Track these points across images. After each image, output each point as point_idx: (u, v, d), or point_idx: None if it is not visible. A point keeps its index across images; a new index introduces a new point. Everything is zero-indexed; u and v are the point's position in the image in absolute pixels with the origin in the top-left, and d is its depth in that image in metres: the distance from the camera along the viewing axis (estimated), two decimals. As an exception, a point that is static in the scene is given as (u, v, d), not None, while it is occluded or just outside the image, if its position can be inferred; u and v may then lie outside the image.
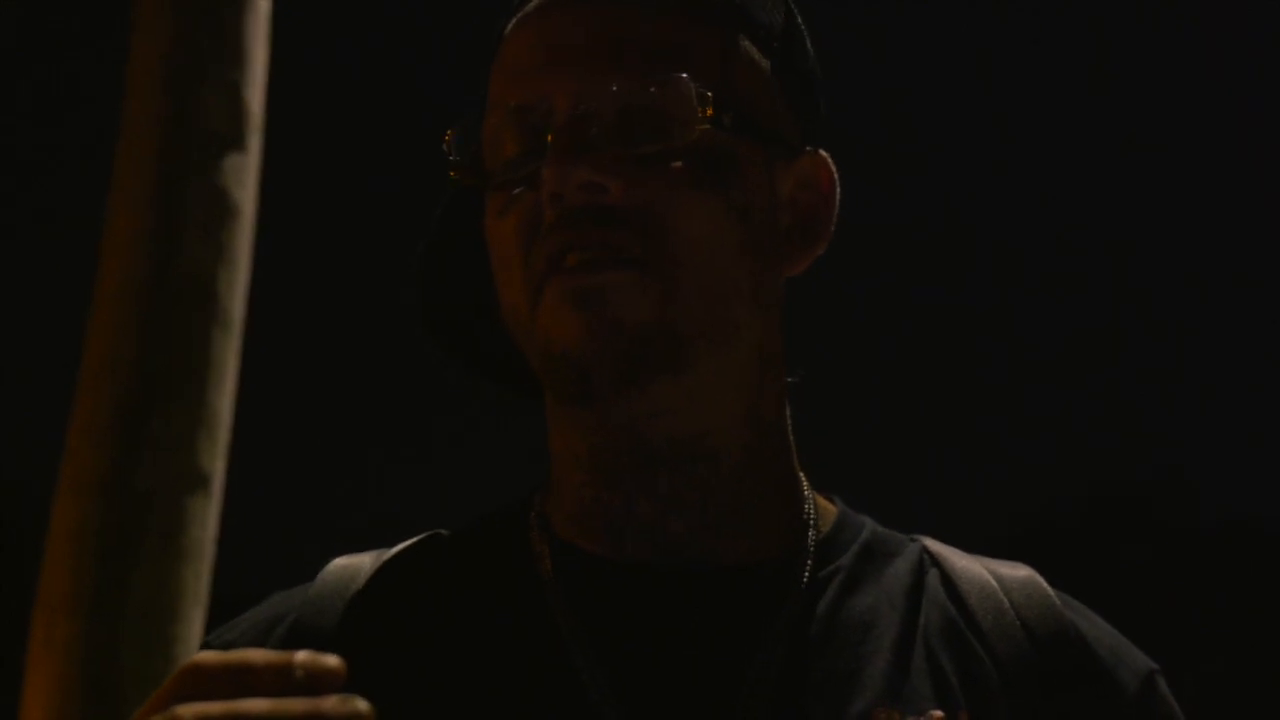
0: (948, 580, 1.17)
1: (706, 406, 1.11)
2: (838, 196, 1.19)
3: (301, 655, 0.81)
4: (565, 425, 1.14)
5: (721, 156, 1.10)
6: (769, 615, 1.11)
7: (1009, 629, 1.14)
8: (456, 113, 1.15)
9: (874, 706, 1.08)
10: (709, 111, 1.09)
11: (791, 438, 1.18)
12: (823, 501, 1.20)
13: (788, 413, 1.18)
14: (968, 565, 1.19)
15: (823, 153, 1.19)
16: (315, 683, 0.81)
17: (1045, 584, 1.19)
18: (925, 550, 1.20)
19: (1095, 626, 1.18)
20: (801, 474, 1.19)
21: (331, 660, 0.81)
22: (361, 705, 0.80)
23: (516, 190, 1.10)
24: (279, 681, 0.81)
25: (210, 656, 0.84)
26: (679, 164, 1.09)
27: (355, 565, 1.18)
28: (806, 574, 1.14)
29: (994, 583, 1.17)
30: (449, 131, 1.14)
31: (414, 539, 1.20)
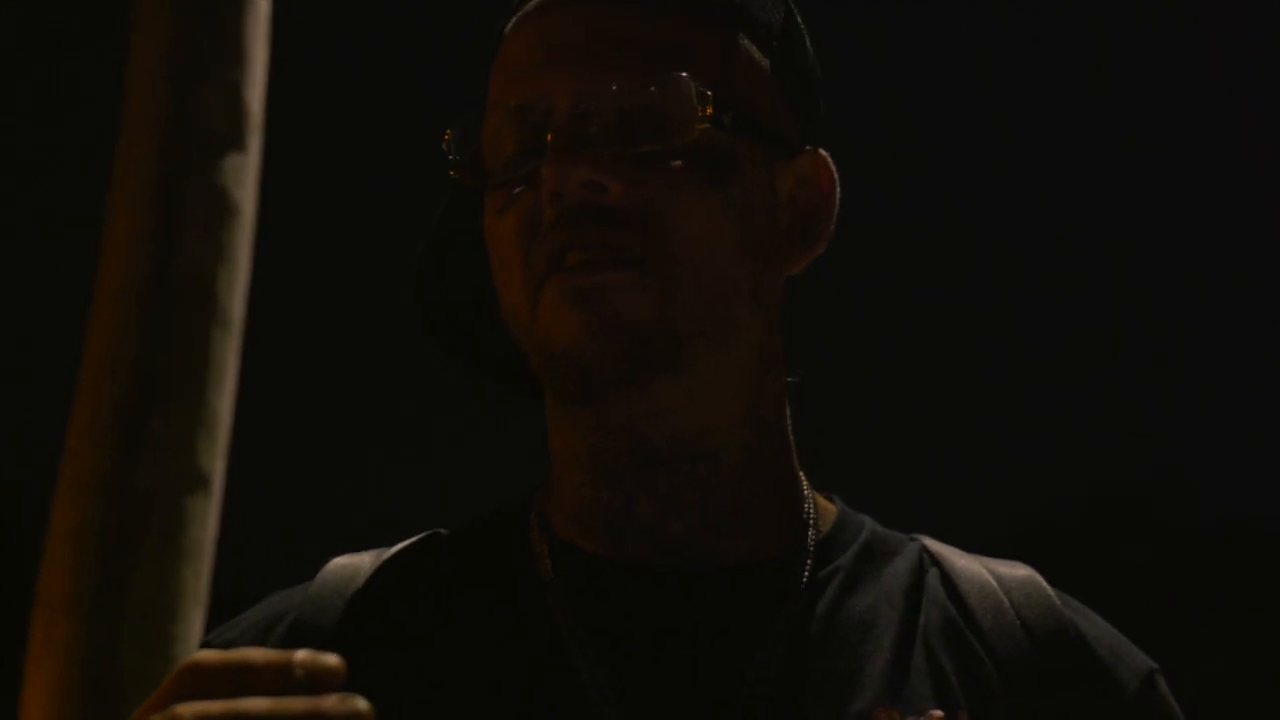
0: (947, 580, 1.17)
1: (706, 406, 1.11)
2: (838, 196, 1.19)
3: (301, 654, 0.81)
4: (565, 425, 1.14)
5: (721, 156, 1.10)
6: (769, 615, 1.11)
7: (1009, 628, 1.14)
8: (456, 113, 1.15)
9: (874, 706, 1.08)
10: (709, 111, 1.09)
11: (791, 437, 1.18)
12: (822, 501, 1.20)
13: (787, 412, 1.18)
14: (967, 565, 1.19)
15: (822, 152, 1.19)
16: (315, 682, 0.81)
17: (1045, 583, 1.19)
18: (925, 550, 1.20)
19: (1095, 626, 1.18)
20: (801, 474, 1.19)
21: (331, 659, 0.81)
22: (361, 704, 0.80)
23: (516, 189, 1.10)
24: (279, 680, 0.81)
25: (210, 655, 0.84)
26: (679, 163, 1.09)
27: (355, 565, 1.18)
28: (806, 574, 1.14)
29: (994, 582, 1.17)
30: (449, 131, 1.14)
31: (413, 538, 1.20)
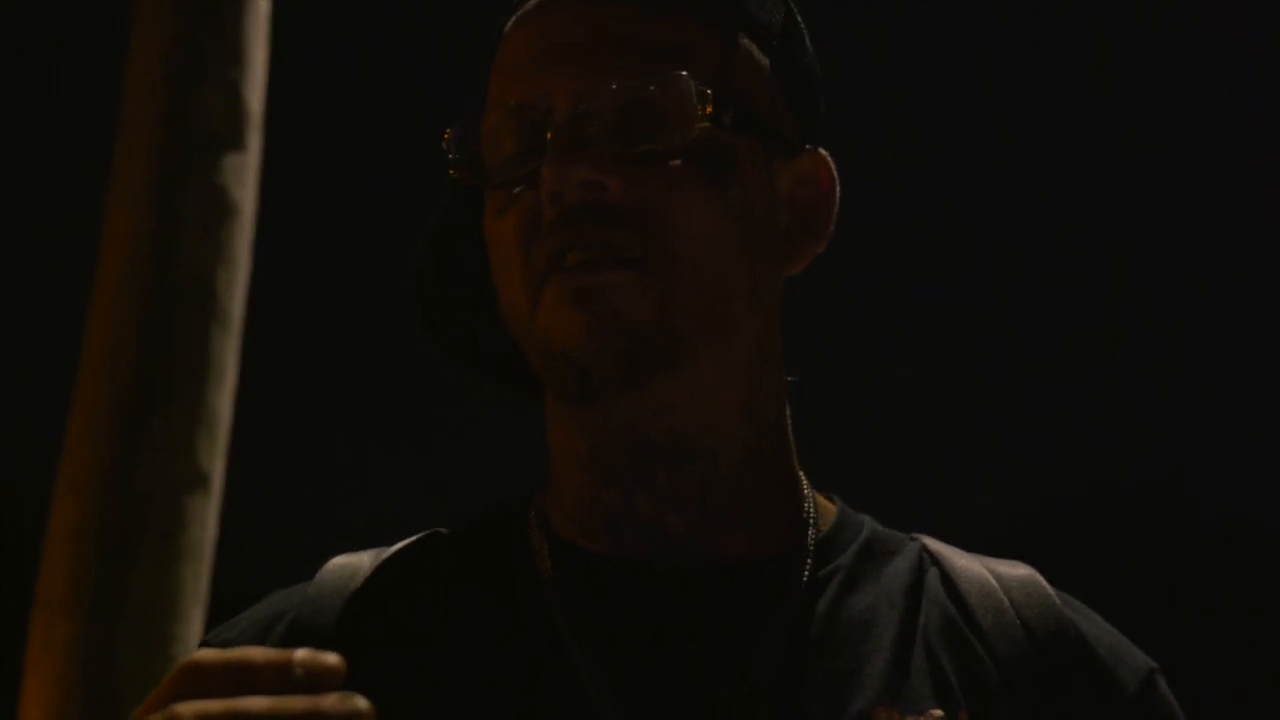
0: (947, 579, 1.17)
1: (706, 403, 1.11)
2: (837, 195, 1.19)
3: (301, 653, 0.81)
4: (565, 423, 1.14)
5: (721, 154, 1.10)
6: (768, 613, 1.11)
7: (1009, 628, 1.14)
8: (456, 113, 1.15)
9: (874, 706, 1.08)
10: (709, 109, 1.09)
11: (791, 435, 1.18)
12: (822, 500, 1.20)
13: (787, 411, 1.18)
14: (967, 564, 1.19)
15: (822, 151, 1.19)
16: (315, 680, 0.81)
17: (1045, 583, 1.18)
18: (925, 549, 1.20)
19: (1095, 625, 1.18)
20: (801, 473, 1.19)
21: (331, 658, 0.81)
22: (361, 703, 0.80)
23: (516, 189, 1.10)
24: (279, 679, 0.81)
25: (210, 654, 0.84)
26: (678, 162, 1.09)
27: (354, 564, 1.18)
28: (806, 572, 1.14)
29: (994, 582, 1.17)
30: (448, 130, 1.14)
31: (413, 537, 1.20)
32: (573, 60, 1.10)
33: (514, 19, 1.15)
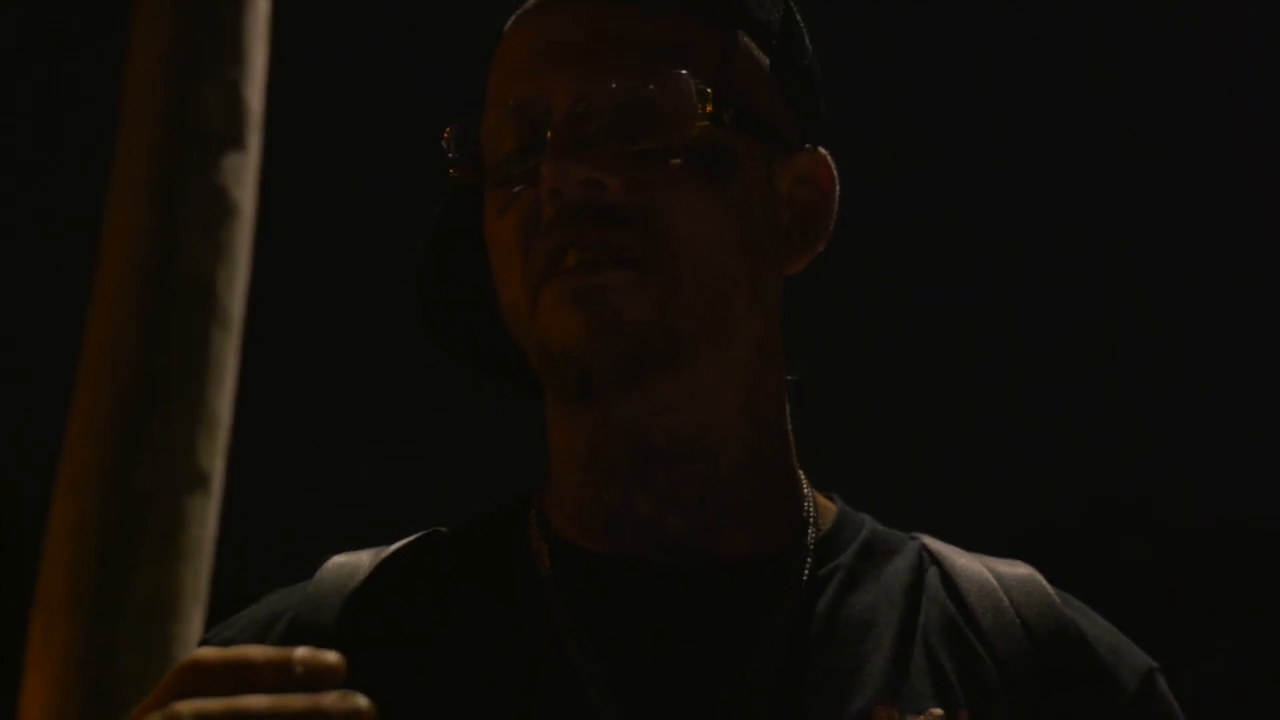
0: (947, 578, 1.17)
1: (706, 403, 1.11)
2: (837, 194, 1.19)
3: (301, 652, 0.81)
4: (565, 422, 1.14)
5: (720, 153, 1.10)
6: (768, 613, 1.11)
7: (1009, 627, 1.14)
8: (456, 112, 1.15)
9: (874, 705, 1.08)
10: (708, 108, 1.09)
11: (790, 435, 1.18)
12: (822, 500, 1.20)
13: (787, 410, 1.18)
14: (967, 563, 1.19)
15: (822, 150, 1.18)
16: (315, 679, 0.81)
17: (1045, 582, 1.18)
18: (925, 548, 1.20)
19: (1095, 625, 1.18)
20: (801, 472, 1.19)
21: (331, 656, 0.81)
22: (361, 701, 0.80)
23: (516, 188, 1.10)
24: (279, 678, 0.81)
25: (210, 653, 0.83)
26: (678, 161, 1.09)
27: (353, 563, 1.17)
28: (806, 572, 1.14)
29: (993, 581, 1.17)
30: (448, 128, 1.14)
31: (412, 537, 1.20)
32: (572, 59, 1.10)
33: (514, 18, 1.15)
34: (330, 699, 0.80)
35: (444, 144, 1.14)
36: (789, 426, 1.18)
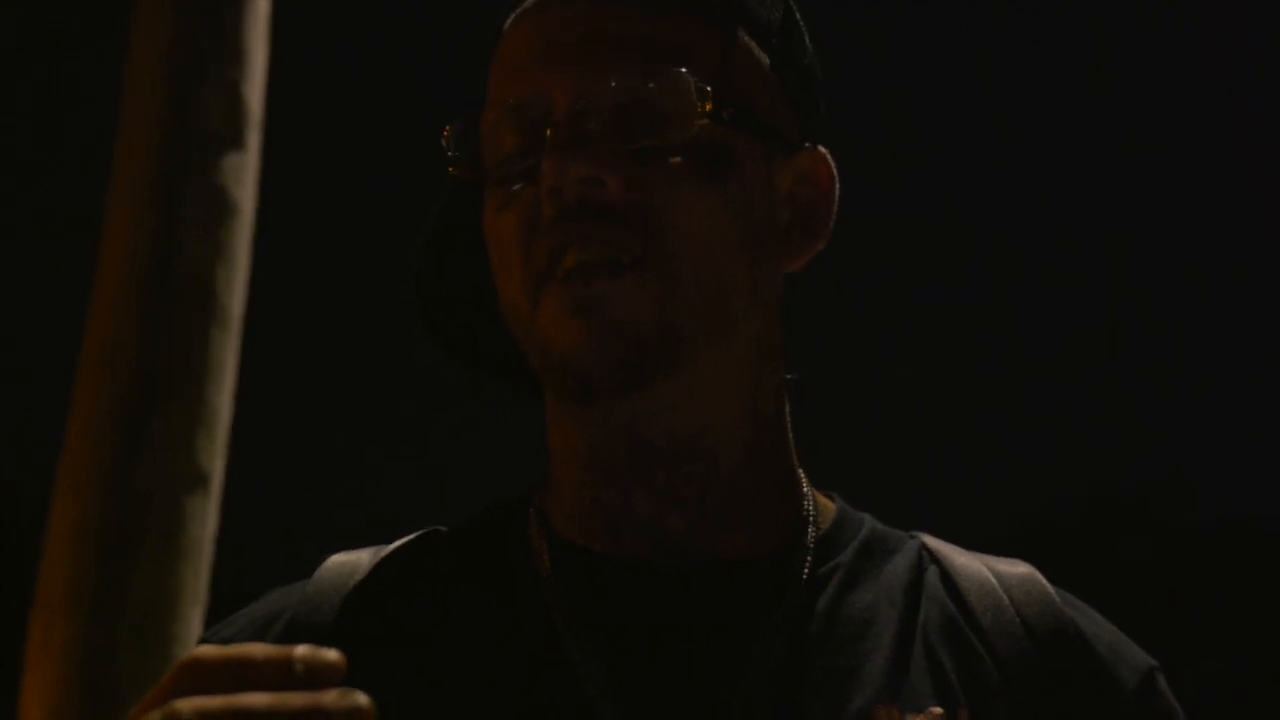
0: (947, 577, 1.17)
1: (706, 403, 1.11)
2: (837, 192, 1.18)
3: (301, 649, 0.81)
4: (565, 422, 1.14)
5: (720, 152, 1.10)
6: (767, 611, 1.11)
7: (1008, 626, 1.14)
8: (456, 112, 1.14)
9: (873, 703, 1.08)
10: (708, 107, 1.09)
11: (790, 434, 1.18)
12: (822, 499, 1.20)
13: (786, 409, 1.18)
14: (967, 562, 1.19)
15: (822, 149, 1.18)
16: (315, 677, 0.81)
17: (1044, 581, 1.18)
18: (924, 547, 1.20)
19: (1094, 624, 1.18)
20: (801, 471, 1.19)
21: (331, 654, 0.81)
22: (361, 699, 0.79)
23: (516, 186, 1.10)
24: (278, 676, 0.81)
25: (209, 651, 0.83)
26: (678, 159, 1.08)
27: (352, 562, 1.17)
28: (806, 570, 1.14)
29: (993, 580, 1.17)
30: (448, 127, 1.14)
31: (411, 535, 1.20)
32: (572, 58, 1.09)
33: (513, 17, 1.15)
34: (330, 697, 0.80)
35: (443, 142, 1.14)
36: (789, 425, 1.18)
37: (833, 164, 1.18)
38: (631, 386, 1.07)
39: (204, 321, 0.93)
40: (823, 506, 1.19)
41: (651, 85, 1.08)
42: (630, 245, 1.07)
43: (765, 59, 1.15)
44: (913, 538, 1.21)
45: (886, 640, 1.11)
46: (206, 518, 0.95)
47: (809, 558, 1.14)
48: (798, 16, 1.20)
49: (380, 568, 1.16)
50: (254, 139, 0.96)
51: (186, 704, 0.80)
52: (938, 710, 1.09)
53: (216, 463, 0.95)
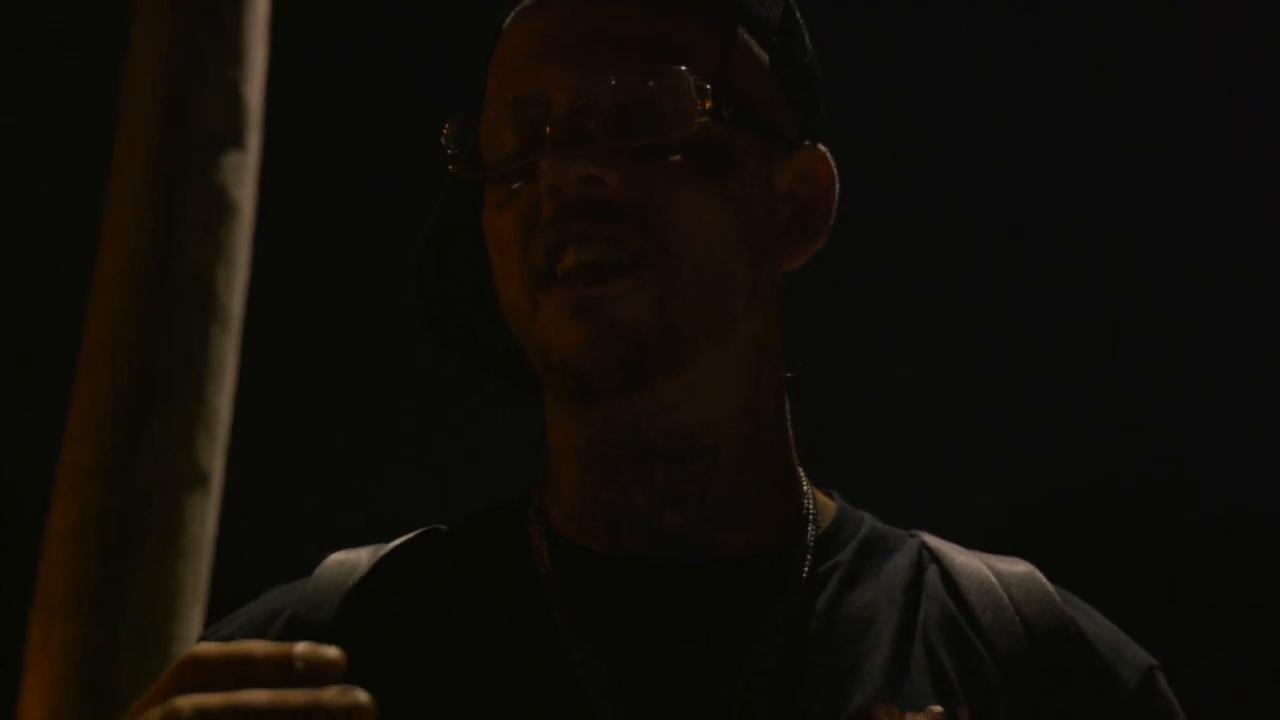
0: (947, 576, 1.17)
1: (705, 400, 1.11)
2: (837, 191, 1.18)
3: (301, 647, 0.81)
4: (565, 421, 1.14)
5: (720, 150, 1.10)
6: (767, 609, 1.11)
7: (1008, 624, 1.14)
8: (456, 112, 1.14)
9: (873, 702, 1.08)
10: (708, 105, 1.08)
11: (790, 432, 1.18)
12: (822, 497, 1.20)
13: (786, 407, 1.18)
14: (967, 561, 1.19)
15: (821, 147, 1.18)
16: (315, 674, 0.81)
17: (1044, 579, 1.18)
18: (924, 546, 1.20)
19: (1094, 622, 1.18)
20: (800, 469, 1.19)
21: (331, 652, 0.81)
22: (361, 696, 0.79)
23: (515, 184, 1.10)
24: (279, 673, 0.81)
25: (209, 648, 0.83)
26: (677, 157, 1.08)
27: (352, 560, 1.17)
28: (806, 569, 1.14)
29: (993, 578, 1.17)
30: (447, 125, 1.14)
31: (411, 534, 1.20)
32: (572, 56, 1.09)
33: (513, 15, 1.15)
34: (330, 694, 0.80)
35: (443, 141, 1.14)
36: (788, 423, 1.18)
37: (832, 162, 1.18)
38: (632, 387, 1.07)
39: (204, 321, 0.93)
40: (822, 505, 1.19)
41: (651, 84, 1.08)
42: (630, 242, 1.07)
43: (765, 57, 1.15)
44: (913, 536, 1.21)
45: (886, 639, 1.11)
46: (206, 517, 0.95)
47: (809, 556, 1.14)
48: (797, 15, 1.20)
49: (380, 566, 1.16)
50: (254, 139, 0.96)
51: (186, 701, 0.81)
52: (937, 709, 1.09)
53: (216, 462, 0.95)
